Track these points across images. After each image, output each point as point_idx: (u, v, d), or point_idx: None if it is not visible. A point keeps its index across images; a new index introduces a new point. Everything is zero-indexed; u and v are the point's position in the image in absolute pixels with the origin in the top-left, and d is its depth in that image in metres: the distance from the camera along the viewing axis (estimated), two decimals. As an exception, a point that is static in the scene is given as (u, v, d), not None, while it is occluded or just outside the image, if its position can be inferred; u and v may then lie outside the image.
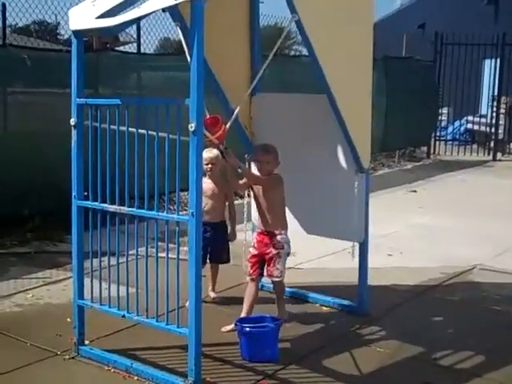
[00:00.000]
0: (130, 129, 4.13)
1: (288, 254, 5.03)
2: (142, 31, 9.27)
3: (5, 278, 6.14)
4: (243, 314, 4.86)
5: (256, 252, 5.01)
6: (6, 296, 5.65)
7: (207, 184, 5.21)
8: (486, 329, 5.18)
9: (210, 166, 5.30)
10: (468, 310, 5.61)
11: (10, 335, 4.78)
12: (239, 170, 4.92)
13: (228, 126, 4.74)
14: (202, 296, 4.00)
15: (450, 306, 5.69)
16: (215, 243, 5.37)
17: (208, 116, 4.69)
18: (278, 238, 4.95)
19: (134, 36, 9.82)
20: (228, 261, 5.59)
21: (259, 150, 5.00)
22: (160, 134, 3.97)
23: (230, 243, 5.57)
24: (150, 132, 4.05)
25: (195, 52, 3.68)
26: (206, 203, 5.13)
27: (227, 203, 5.54)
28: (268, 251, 4.95)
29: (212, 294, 5.56)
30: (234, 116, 4.94)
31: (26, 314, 5.26)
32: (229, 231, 5.56)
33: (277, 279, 4.98)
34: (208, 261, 5.38)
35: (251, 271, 5.01)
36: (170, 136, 3.93)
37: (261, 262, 4.99)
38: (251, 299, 4.92)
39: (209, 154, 5.18)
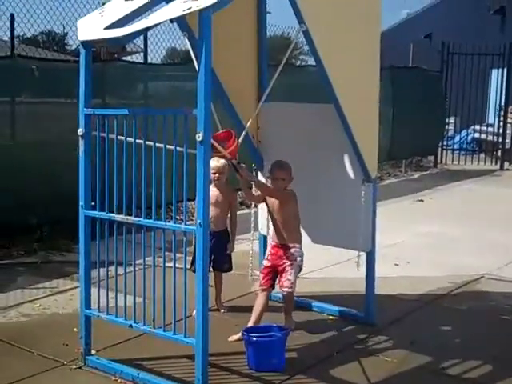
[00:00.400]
0: (137, 140, 4.14)
1: (300, 268, 5.04)
2: (149, 41, 9.30)
3: (12, 287, 6.15)
4: (250, 324, 4.85)
5: (269, 264, 5.05)
6: (13, 306, 5.66)
7: (212, 192, 5.22)
8: (494, 338, 5.16)
9: (217, 175, 5.31)
10: (476, 319, 5.59)
11: (17, 345, 4.78)
12: (253, 184, 4.96)
13: (240, 139, 4.79)
14: (209, 305, 3.99)
15: (458, 315, 5.67)
16: (217, 252, 5.36)
17: (220, 130, 4.73)
18: (292, 250, 4.98)
19: (141, 46, 9.85)
20: (230, 269, 5.59)
21: (274, 167, 5.02)
22: (168, 146, 3.99)
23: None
24: (157, 144, 4.06)
25: (203, 62, 3.69)
26: (210, 211, 5.15)
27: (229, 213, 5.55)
28: (281, 263, 4.98)
29: (221, 310, 5.55)
30: (245, 130, 5.00)
31: (33, 324, 5.27)
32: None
33: (287, 290, 4.97)
34: (211, 269, 5.37)
35: (263, 281, 5.02)
36: (178, 148, 3.94)
37: (273, 273, 5.02)
38: (260, 310, 4.92)
39: (216, 163, 5.19)
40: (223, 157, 4.71)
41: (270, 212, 5.11)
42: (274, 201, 5.03)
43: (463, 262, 7.18)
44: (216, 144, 4.55)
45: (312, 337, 5.06)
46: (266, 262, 5.08)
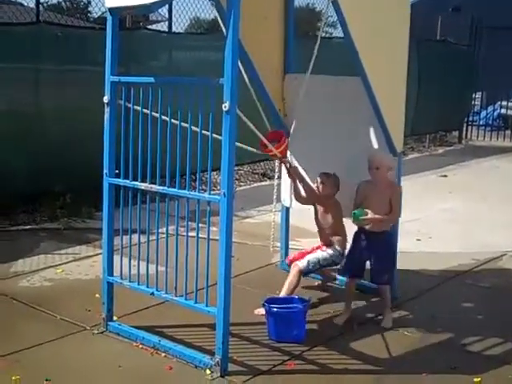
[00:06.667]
0: (162, 114, 4.13)
1: (328, 262, 5.08)
2: (174, 10, 9.23)
3: (35, 252, 6.22)
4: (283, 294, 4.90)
5: (309, 249, 5.21)
6: (36, 270, 5.73)
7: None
8: (516, 316, 5.13)
9: None
10: (497, 296, 5.56)
11: (41, 309, 4.85)
12: (301, 184, 5.12)
13: (289, 139, 5.01)
14: (231, 275, 4.00)
15: (480, 292, 5.65)
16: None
17: (270, 130, 4.81)
18: (331, 247, 5.09)
19: (166, 15, 9.79)
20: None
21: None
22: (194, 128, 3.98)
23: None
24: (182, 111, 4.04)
25: (230, 31, 3.66)
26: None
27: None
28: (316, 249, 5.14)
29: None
30: (291, 131, 5.14)
31: (56, 289, 5.33)
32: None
33: (297, 263, 4.99)
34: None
35: (293, 256, 5.23)
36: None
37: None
38: (292, 287, 4.94)
39: None
40: (274, 156, 4.85)
41: (316, 217, 5.20)
42: (319, 207, 5.14)
43: (485, 239, 7.13)
44: (267, 143, 4.63)
45: (333, 309, 5.06)
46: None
